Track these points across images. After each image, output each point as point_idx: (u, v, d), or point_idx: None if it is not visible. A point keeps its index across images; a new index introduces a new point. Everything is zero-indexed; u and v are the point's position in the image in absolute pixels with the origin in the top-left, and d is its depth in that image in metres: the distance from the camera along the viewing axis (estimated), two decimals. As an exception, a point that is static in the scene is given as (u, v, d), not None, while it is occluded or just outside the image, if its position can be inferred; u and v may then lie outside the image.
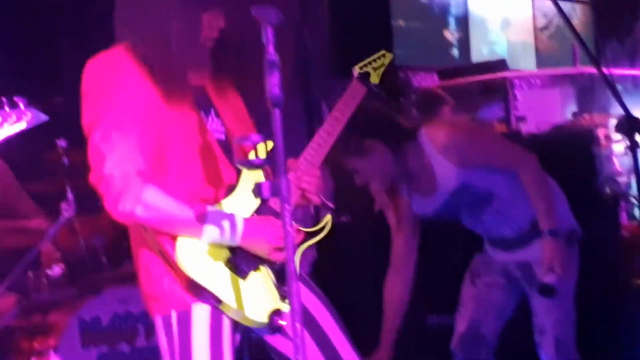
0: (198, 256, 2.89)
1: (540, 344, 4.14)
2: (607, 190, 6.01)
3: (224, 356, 2.96)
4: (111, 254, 4.85)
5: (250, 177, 3.00)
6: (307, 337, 3.06)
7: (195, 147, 2.98)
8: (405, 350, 4.22)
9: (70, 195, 4.75)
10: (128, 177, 2.83)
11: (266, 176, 3.03)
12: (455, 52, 10.02)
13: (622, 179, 7.38)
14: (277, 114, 2.63)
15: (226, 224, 2.88)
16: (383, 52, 3.39)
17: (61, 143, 4.85)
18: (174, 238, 2.89)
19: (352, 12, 7.82)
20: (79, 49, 6.52)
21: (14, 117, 2.44)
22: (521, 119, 7.66)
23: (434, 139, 3.98)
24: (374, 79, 3.31)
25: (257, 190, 2.67)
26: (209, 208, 2.91)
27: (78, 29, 6.57)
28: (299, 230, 3.03)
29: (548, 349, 4.11)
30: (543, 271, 3.87)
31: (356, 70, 3.32)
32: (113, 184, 2.82)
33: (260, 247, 2.94)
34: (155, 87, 2.93)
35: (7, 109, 2.41)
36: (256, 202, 2.98)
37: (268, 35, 2.66)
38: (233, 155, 3.00)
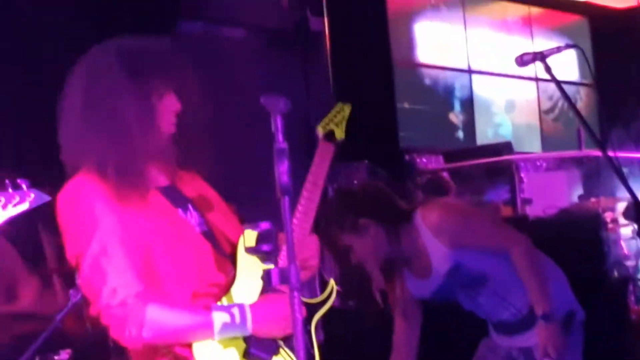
0: (216, 356, 2.86)
1: None
2: (615, 274, 5.99)
3: None
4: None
5: (247, 262, 2.98)
6: None
7: (182, 247, 2.93)
8: None
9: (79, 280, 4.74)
10: (127, 304, 2.78)
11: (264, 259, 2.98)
12: (460, 134, 10.08)
13: (629, 263, 7.35)
14: (286, 202, 2.64)
15: (234, 317, 2.86)
16: (340, 105, 3.36)
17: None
18: (189, 345, 2.86)
19: (357, 95, 7.88)
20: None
21: (17, 199, 2.44)
22: (527, 201, 7.67)
23: (428, 221, 4.00)
24: (339, 134, 3.28)
25: (267, 278, 2.66)
26: (213, 307, 2.88)
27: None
28: (307, 303, 3.00)
29: None
30: (539, 357, 3.86)
31: (320, 131, 3.29)
32: (114, 314, 2.78)
33: (273, 329, 2.90)
34: (126, 202, 2.88)
35: (10, 190, 2.42)
36: (259, 285, 2.95)
37: (277, 124, 2.68)
38: (242, 243, 2.98)
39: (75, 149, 2.93)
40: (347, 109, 3.33)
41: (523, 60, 3.86)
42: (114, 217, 2.85)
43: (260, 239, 2.86)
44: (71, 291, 4.50)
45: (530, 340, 4.06)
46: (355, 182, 8.28)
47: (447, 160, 8.59)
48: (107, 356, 4.74)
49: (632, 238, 7.84)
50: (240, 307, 2.88)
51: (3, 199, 2.41)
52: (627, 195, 3.48)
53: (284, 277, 2.64)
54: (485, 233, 4.09)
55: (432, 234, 3.99)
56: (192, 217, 3.03)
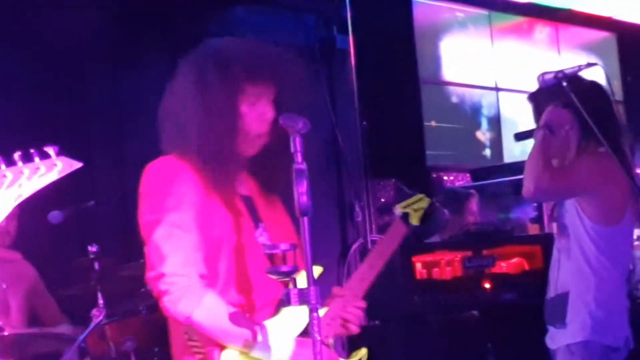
0: None
1: None
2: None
3: None
4: (143, 359, 4.82)
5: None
6: None
7: (246, 257, 2.97)
8: None
9: (101, 300, 4.76)
10: (190, 279, 2.83)
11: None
12: (487, 152, 10.04)
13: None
14: (305, 222, 2.65)
15: (277, 341, 2.88)
16: (421, 195, 3.46)
17: (92, 248, 4.88)
18: (221, 348, 2.87)
19: (383, 113, 7.88)
20: (110, 156, 6.68)
21: (42, 169, 2.38)
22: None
23: None
24: (414, 220, 3.36)
25: (286, 298, 2.66)
26: (265, 323, 2.90)
27: (109, 137, 6.69)
28: None
29: None
30: None
31: (398, 210, 3.38)
32: (175, 284, 2.81)
33: None
34: (211, 193, 2.95)
35: (36, 159, 2.37)
36: (304, 321, 2.94)
37: (296, 145, 2.69)
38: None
39: (174, 137, 3.00)
40: (425, 201, 3.42)
41: (544, 79, 3.85)
42: (198, 200, 2.91)
43: (278, 259, 2.87)
44: (94, 311, 4.52)
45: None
46: (383, 200, 8.30)
47: (474, 178, 8.57)
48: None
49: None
50: (283, 335, 2.90)
51: (27, 171, 2.34)
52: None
53: (304, 298, 2.64)
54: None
55: None
56: (261, 235, 3.07)
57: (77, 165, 2.42)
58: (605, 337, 4.00)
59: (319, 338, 2.62)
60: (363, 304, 3.12)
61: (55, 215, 5.08)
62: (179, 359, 3.02)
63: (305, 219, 2.65)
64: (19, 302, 5.21)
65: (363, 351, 3.13)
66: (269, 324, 2.92)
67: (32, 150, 2.37)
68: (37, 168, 2.37)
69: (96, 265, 4.86)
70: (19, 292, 5.23)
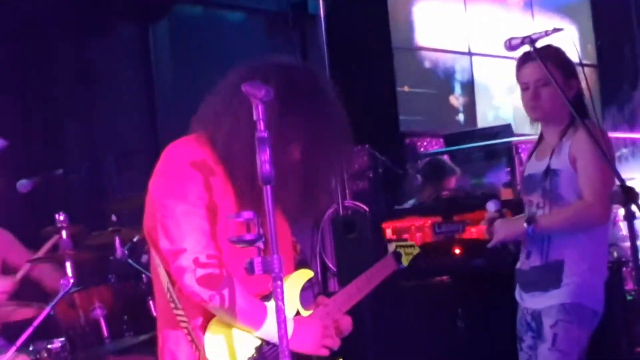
0: (225, 346, 2.89)
1: None
2: (613, 255, 5.98)
3: None
4: (112, 327, 4.82)
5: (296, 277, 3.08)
6: None
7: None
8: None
9: (69, 268, 4.75)
10: (214, 263, 2.84)
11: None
12: (461, 117, 10.05)
13: (626, 244, 7.33)
14: (268, 191, 2.64)
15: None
16: (413, 244, 3.75)
17: (60, 217, 4.86)
18: (206, 319, 2.90)
19: (355, 79, 7.86)
20: (81, 123, 6.65)
21: None
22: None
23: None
24: (404, 261, 3.66)
25: (249, 267, 2.66)
26: (267, 304, 2.92)
27: (78, 105, 6.66)
28: None
29: None
30: None
31: (393, 246, 3.69)
32: (201, 265, 2.82)
33: (307, 347, 2.99)
34: (229, 184, 2.96)
35: None
36: (296, 304, 3.04)
37: (259, 112, 2.67)
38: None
39: (210, 119, 3.00)
40: (417, 250, 3.72)
41: (511, 44, 3.84)
42: (216, 187, 2.92)
43: (242, 228, 2.86)
44: (62, 281, 4.51)
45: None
46: (357, 166, 8.30)
47: (447, 143, 8.59)
48: (101, 343, 4.76)
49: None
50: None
51: None
52: (628, 176, 3.47)
53: (267, 267, 2.64)
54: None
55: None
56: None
57: (4, 143, 2.42)
58: (594, 303, 4.14)
59: (282, 305, 2.62)
60: (349, 321, 3.19)
61: (23, 184, 5.06)
62: (164, 329, 3.03)
63: (268, 187, 2.64)
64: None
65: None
66: (270, 306, 2.93)
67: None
68: None
69: (64, 234, 4.84)
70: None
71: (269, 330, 2.88)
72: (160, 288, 3.01)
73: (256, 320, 2.89)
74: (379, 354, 4.68)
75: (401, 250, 3.65)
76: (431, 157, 8.12)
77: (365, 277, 3.41)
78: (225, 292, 2.83)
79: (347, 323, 3.18)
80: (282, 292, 2.64)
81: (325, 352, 3.03)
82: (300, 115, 2.94)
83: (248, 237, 2.79)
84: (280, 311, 2.63)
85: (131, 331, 4.83)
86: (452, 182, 7.46)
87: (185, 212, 2.86)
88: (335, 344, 3.10)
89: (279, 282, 2.64)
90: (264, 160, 2.63)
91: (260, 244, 2.77)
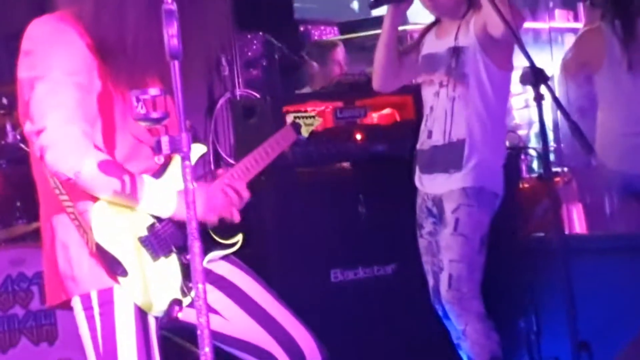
0: (113, 227, 2.83)
1: (438, 281, 4.21)
2: (507, 143, 6.04)
3: (151, 339, 2.89)
4: (2, 215, 4.70)
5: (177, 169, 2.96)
6: (233, 305, 3.08)
7: (126, 127, 2.92)
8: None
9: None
10: (78, 136, 2.75)
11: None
12: (355, 5, 9.94)
13: (521, 132, 7.45)
14: (175, 65, 2.53)
15: (163, 194, 2.89)
16: (314, 115, 3.70)
17: None
18: (93, 201, 2.82)
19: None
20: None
21: None
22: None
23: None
24: (304, 132, 3.59)
25: (157, 146, 2.56)
26: (147, 177, 2.86)
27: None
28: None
29: (443, 285, 4.16)
30: None
31: (291, 118, 3.62)
32: (62, 140, 2.73)
33: (205, 212, 2.94)
34: (100, 60, 2.87)
35: None
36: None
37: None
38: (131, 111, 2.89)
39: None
40: (318, 121, 3.67)
41: None
42: (84, 63, 2.83)
43: (150, 106, 2.76)
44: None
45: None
46: (250, 53, 8.18)
47: (342, 31, 8.53)
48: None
49: (524, 107, 7.97)
50: (169, 187, 2.91)
51: None
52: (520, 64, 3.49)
53: (175, 145, 2.55)
54: None
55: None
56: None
57: None
58: (494, 186, 4.22)
59: (192, 186, 2.53)
60: (246, 191, 3.11)
61: None
62: (50, 217, 2.94)
63: (176, 62, 2.53)
64: None
65: (240, 236, 3.17)
66: (147, 177, 2.89)
67: None
68: None
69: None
70: None
71: (151, 204, 2.84)
72: (42, 174, 2.92)
73: (131, 193, 2.81)
74: (281, 242, 4.65)
75: (301, 122, 3.58)
76: (310, 43, 8.14)
77: (263, 149, 3.33)
78: (91, 166, 2.74)
79: (244, 190, 3.12)
80: (192, 172, 2.55)
81: (213, 219, 2.99)
82: None
83: (154, 115, 2.70)
84: (188, 192, 2.54)
85: (24, 219, 4.73)
86: (339, 54, 7.47)
87: (48, 91, 2.76)
88: (235, 215, 3.05)
89: (187, 162, 2.55)
90: (171, 35, 2.51)
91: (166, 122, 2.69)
